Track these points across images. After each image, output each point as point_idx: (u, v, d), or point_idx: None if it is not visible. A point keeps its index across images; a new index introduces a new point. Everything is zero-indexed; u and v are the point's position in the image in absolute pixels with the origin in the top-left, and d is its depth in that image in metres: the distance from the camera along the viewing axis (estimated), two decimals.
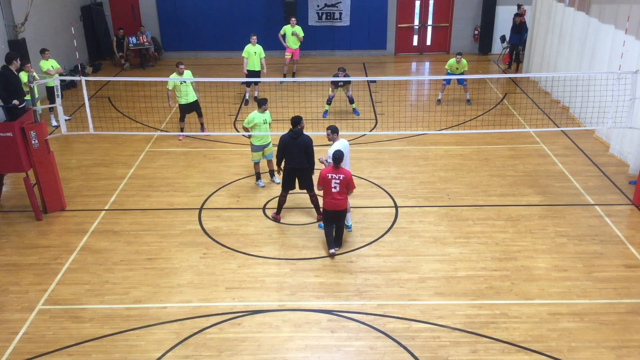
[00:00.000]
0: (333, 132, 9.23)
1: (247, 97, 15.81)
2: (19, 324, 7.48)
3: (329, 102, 14.59)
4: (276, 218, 9.88)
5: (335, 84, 14.34)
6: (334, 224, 8.91)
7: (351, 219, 9.74)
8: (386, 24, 20.72)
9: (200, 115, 13.35)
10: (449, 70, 15.40)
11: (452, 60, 15.22)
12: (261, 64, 15.52)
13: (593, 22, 13.49)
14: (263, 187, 11.01)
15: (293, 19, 17.25)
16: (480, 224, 9.69)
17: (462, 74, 15.25)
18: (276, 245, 9.18)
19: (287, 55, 17.46)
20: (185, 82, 12.72)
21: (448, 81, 15.49)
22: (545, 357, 6.83)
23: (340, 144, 9.13)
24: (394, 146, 12.89)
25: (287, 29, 17.16)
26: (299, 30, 17.17)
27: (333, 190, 8.65)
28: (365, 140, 13.12)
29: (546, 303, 7.77)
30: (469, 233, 9.43)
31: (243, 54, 15.41)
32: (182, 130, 13.27)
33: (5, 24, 14.79)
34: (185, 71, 12.73)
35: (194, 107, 13.17)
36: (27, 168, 9.72)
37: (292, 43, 17.24)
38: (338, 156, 8.56)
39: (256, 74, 15.35)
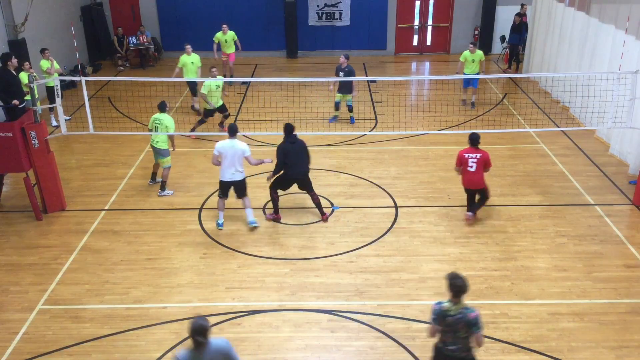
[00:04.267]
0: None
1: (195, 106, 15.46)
2: (19, 324, 7.48)
3: (336, 106, 14.22)
4: (277, 218, 9.86)
5: (337, 74, 13.68)
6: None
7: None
8: (386, 24, 20.73)
9: (227, 116, 13.59)
10: (464, 63, 14.87)
11: (466, 52, 14.79)
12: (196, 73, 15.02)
13: (593, 22, 13.49)
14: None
15: (224, 25, 16.73)
16: (480, 224, 9.69)
17: (477, 72, 14.81)
18: (276, 245, 9.19)
19: (224, 57, 17.11)
20: (219, 87, 12.94)
21: (467, 82, 14.94)
22: (545, 357, 6.83)
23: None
24: (394, 146, 12.89)
25: (219, 36, 16.81)
26: (231, 35, 16.81)
27: (469, 169, 9.21)
28: (365, 140, 13.12)
29: (546, 303, 7.77)
30: (469, 233, 9.43)
31: (179, 65, 14.77)
32: (194, 130, 13.34)
33: (5, 24, 14.80)
34: (218, 76, 13.04)
35: (220, 109, 13.41)
36: (27, 168, 9.72)
37: (227, 48, 16.90)
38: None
39: (193, 84, 14.99)
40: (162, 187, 10.76)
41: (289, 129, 9.40)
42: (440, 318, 5.46)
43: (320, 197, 9.99)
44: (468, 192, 9.63)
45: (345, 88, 13.70)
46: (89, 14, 19.52)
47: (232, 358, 4.98)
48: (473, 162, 9.24)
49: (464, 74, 14.82)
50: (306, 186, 9.70)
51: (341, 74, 13.34)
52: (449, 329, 5.45)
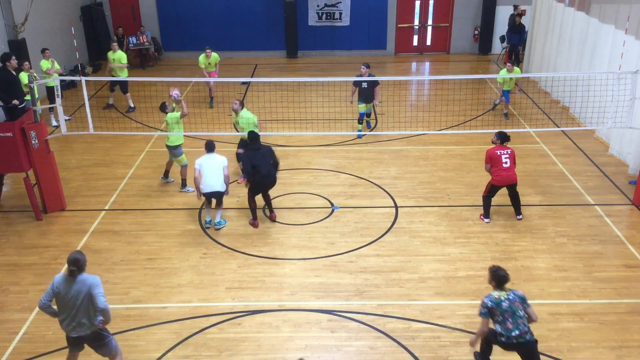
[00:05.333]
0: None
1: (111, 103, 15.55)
2: (19, 324, 7.48)
3: (360, 120, 13.30)
4: (254, 224, 9.71)
5: (358, 85, 12.97)
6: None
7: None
8: (386, 24, 20.74)
9: None
10: (502, 83, 14.16)
11: (504, 71, 13.75)
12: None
13: (593, 22, 13.49)
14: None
15: (208, 49, 15.30)
16: (480, 224, 9.69)
17: (512, 87, 14.08)
18: (276, 245, 9.19)
19: (206, 74, 15.84)
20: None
21: (506, 96, 14.21)
22: (545, 357, 6.82)
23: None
24: (394, 146, 12.89)
25: (202, 60, 15.42)
26: (214, 59, 15.45)
27: (504, 165, 9.29)
28: (366, 140, 13.12)
29: (546, 303, 7.77)
30: (469, 233, 9.43)
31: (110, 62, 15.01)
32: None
33: (5, 24, 14.80)
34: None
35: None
36: (27, 168, 9.72)
37: (210, 69, 15.67)
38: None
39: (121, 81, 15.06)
40: (183, 185, 10.93)
41: (251, 137, 9.43)
42: (496, 307, 5.85)
43: (320, 197, 9.98)
44: (496, 190, 9.55)
45: (369, 97, 12.96)
46: (89, 14, 19.53)
47: (95, 291, 5.77)
48: (506, 158, 9.33)
49: (503, 90, 14.23)
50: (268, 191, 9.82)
51: (364, 84, 12.72)
52: (508, 314, 5.84)
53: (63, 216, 10.12)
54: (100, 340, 6.13)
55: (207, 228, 9.67)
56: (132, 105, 15.27)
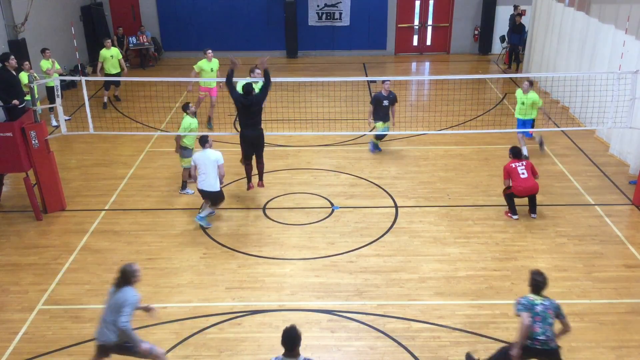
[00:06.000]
0: (203, 142, 9.45)
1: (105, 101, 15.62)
2: (19, 324, 7.48)
3: (378, 136, 12.28)
4: (248, 187, 10.31)
5: (378, 103, 11.88)
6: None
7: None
8: (386, 24, 20.74)
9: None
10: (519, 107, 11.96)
11: (519, 92, 11.89)
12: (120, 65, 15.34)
13: (593, 22, 13.49)
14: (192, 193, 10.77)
15: (209, 51, 13.52)
16: (480, 224, 9.69)
17: (533, 117, 11.86)
18: (276, 245, 9.18)
19: (202, 93, 13.85)
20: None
21: (527, 132, 12.21)
22: None
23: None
24: (394, 146, 12.89)
25: (203, 65, 13.47)
26: (216, 64, 13.67)
27: (522, 176, 9.47)
28: (365, 140, 13.11)
29: None
30: (469, 233, 9.43)
31: (99, 59, 15.06)
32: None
33: (5, 24, 14.80)
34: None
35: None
36: (27, 168, 9.72)
37: (203, 83, 13.65)
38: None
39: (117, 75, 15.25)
40: (183, 186, 10.93)
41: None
42: (529, 308, 5.85)
43: (320, 197, 9.96)
44: (517, 198, 9.75)
45: (388, 115, 12.09)
46: (89, 14, 19.51)
47: (122, 308, 5.84)
48: (522, 169, 9.52)
49: (518, 120, 12.05)
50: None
51: (385, 102, 11.86)
52: (539, 317, 5.85)
53: (63, 216, 10.12)
54: (124, 351, 6.10)
55: (207, 228, 9.67)
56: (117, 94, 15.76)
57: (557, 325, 5.96)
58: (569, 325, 5.99)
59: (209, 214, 9.71)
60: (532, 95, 11.63)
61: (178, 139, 10.55)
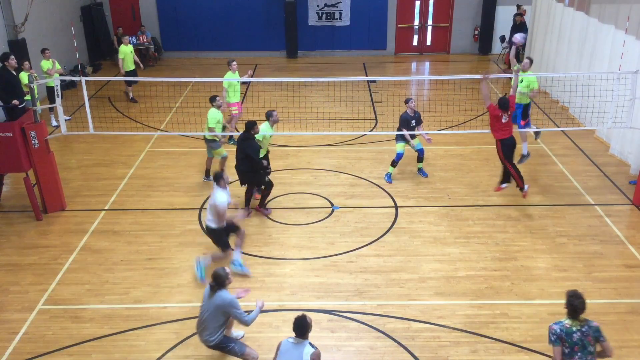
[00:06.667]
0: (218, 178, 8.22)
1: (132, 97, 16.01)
2: (19, 324, 7.48)
3: (396, 161, 11.20)
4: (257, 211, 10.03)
5: (406, 124, 10.94)
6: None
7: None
8: (386, 24, 20.74)
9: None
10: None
11: (517, 68, 10.94)
12: (135, 62, 15.75)
13: (593, 22, 13.49)
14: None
15: (234, 62, 12.60)
16: (480, 224, 9.70)
17: (528, 102, 11.08)
18: (276, 245, 9.18)
19: (234, 110, 12.88)
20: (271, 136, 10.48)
21: (517, 118, 10.98)
22: (545, 357, 6.83)
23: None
24: (394, 146, 12.84)
25: (230, 77, 12.62)
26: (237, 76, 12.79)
27: (503, 120, 9.53)
28: (366, 140, 13.12)
29: (546, 303, 7.78)
30: (469, 233, 9.43)
31: (119, 55, 15.50)
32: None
33: (5, 24, 14.80)
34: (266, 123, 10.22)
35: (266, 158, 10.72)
36: (27, 168, 9.72)
37: (235, 95, 12.67)
38: None
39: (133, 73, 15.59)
40: (206, 174, 11.18)
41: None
42: (565, 336, 5.31)
43: (320, 197, 9.95)
44: (508, 147, 9.72)
45: (412, 135, 11.22)
46: (89, 14, 19.52)
47: (230, 311, 6.28)
48: (505, 117, 9.49)
49: (518, 108, 10.89)
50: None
51: (413, 122, 11.02)
52: (577, 347, 5.30)
53: (63, 216, 10.12)
54: (221, 349, 6.56)
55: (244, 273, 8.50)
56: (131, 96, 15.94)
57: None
58: (610, 349, 5.37)
59: (206, 263, 8.32)
60: (531, 76, 10.93)
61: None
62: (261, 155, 9.88)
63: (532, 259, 8.73)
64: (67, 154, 12.62)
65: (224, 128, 10.94)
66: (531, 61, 11.21)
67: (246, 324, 6.35)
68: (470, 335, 7.21)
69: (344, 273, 8.47)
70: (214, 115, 10.52)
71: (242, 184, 9.95)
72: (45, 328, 7.42)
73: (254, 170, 9.62)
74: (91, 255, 8.99)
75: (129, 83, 15.76)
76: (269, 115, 9.88)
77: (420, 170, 11.51)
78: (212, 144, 10.77)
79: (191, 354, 6.97)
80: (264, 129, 9.84)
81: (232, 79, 12.43)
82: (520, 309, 7.67)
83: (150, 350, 7.03)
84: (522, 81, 10.93)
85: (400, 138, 11.11)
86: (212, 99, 10.66)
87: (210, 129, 10.58)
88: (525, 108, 11.20)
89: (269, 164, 10.13)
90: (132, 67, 15.68)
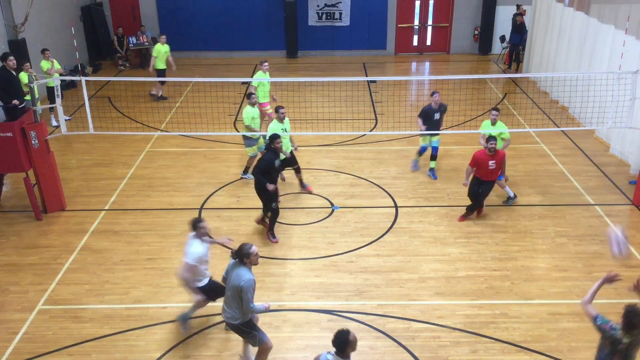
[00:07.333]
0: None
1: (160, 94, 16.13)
2: (19, 324, 7.48)
3: (421, 152, 11.44)
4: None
5: (428, 117, 10.90)
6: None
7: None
8: (386, 24, 20.74)
9: (298, 170, 10.78)
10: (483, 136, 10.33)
11: (486, 123, 10.43)
12: (168, 62, 15.82)
13: (592, 22, 13.49)
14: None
15: (266, 63, 12.71)
16: (480, 224, 9.69)
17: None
18: (276, 245, 9.18)
19: (267, 108, 12.81)
20: (286, 131, 10.33)
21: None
22: (545, 357, 6.83)
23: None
24: (394, 146, 12.89)
25: (261, 76, 12.61)
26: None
27: (490, 168, 9.38)
28: (365, 140, 13.12)
29: (546, 303, 7.77)
30: (469, 233, 9.43)
31: (153, 53, 15.73)
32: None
33: (5, 24, 14.80)
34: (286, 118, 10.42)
35: (292, 160, 10.62)
36: (27, 168, 9.72)
37: (263, 97, 12.67)
38: None
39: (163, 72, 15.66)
40: (245, 171, 11.26)
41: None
42: (612, 343, 5.37)
43: (320, 197, 9.95)
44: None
45: (437, 127, 11.13)
46: (89, 14, 19.52)
47: (241, 292, 5.95)
48: (492, 163, 9.33)
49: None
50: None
51: (437, 115, 10.91)
52: (618, 355, 5.39)
53: (63, 216, 10.12)
54: (242, 333, 6.37)
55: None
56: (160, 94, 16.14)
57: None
58: None
59: (185, 319, 7.26)
60: (501, 126, 10.22)
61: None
62: (281, 158, 9.60)
63: (532, 259, 8.73)
64: (67, 154, 12.62)
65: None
66: (498, 111, 10.30)
67: (247, 309, 6.00)
68: (470, 335, 7.21)
69: (344, 273, 8.47)
70: (248, 112, 10.60)
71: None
72: (45, 328, 7.42)
73: (259, 186, 8.96)
74: (91, 255, 8.99)
75: (162, 82, 15.83)
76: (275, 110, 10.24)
77: (431, 170, 11.28)
78: (247, 140, 10.89)
79: (191, 354, 6.97)
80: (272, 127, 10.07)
81: (262, 79, 12.46)
82: (520, 309, 7.67)
83: (150, 350, 7.03)
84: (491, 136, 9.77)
85: (430, 129, 11.01)
86: (248, 96, 10.82)
87: (247, 127, 10.69)
88: None
89: (277, 195, 9.14)
90: (163, 66, 15.67)
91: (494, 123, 10.23)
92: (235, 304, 6.08)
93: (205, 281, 6.99)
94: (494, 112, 10.22)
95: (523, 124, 13.98)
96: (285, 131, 10.27)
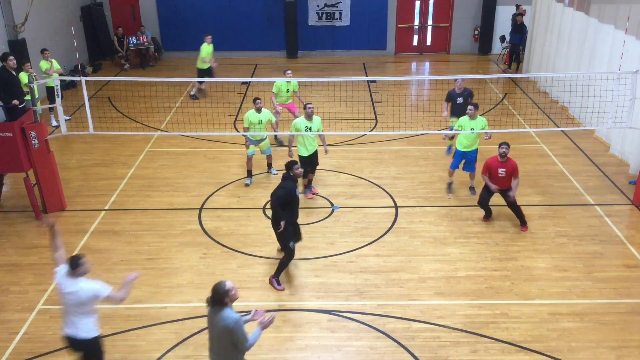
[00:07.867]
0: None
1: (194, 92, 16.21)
2: (19, 324, 7.48)
3: (451, 137, 11.84)
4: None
5: (452, 100, 11.53)
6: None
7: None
8: (386, 24, 20.73)
9: (312, 170, 10.69)
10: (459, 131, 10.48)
11: (464, 119, 10.33)
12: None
13: (592, 22, 13.49)
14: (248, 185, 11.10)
15: (289, 71, 12.71)
16: (480, 224, 9.69)
17: (475, 147, 10.40)
18: (276, 245, 9.16)
19: (279, 109, 12.92)
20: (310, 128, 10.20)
21: (458, 159, 10.50)
22: (545, 357, 6.83)
23: None
24: (394, 146, 12.89)
25: (281, 85, 12.68)
26: (294, 85, 12.90)
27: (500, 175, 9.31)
28: (365, 140, 13.12)
29: (546, 303, 7.78)
30: (469, 233, 9.43)
31: (202, 54, 15.66)
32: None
33: (5, 24, 14.80)
34: (314, 116, 10.25)
35: (313, 160, 10.52)
36: (27, 168, 9.72)
37: (287, 99, 13.00)
38: None
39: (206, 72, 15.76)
40: (249, 174, 11.28)
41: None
42: None
43: (320, 197, 9.96)
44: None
45: (462, 111, 10.84)
46: (89, 14, 19.52)
47: (231, 335, 5.16)
48: (502, 170, 9.27)
49: (457, 151, 10.48)
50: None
51: (460, 99, 11.38)
52: None
53: (63, 216, 10.11)
54: None
55: None
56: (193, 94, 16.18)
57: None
58: None
59: None
60: (482, 120, 10.25)
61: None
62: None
63: (532, 259, 8.73)
64: (67, 154, 12.62)
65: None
66: (476, 106, 10.21)
67: (245, 349, 5.29)
68: (470, 335, 7.21)
69: (344, 273, 8.47)
70: (248, 117, 10.73)
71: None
72: (45, 328, 7.42)
73: (275, 220, 7.97)
74: (91, 255, 8.97)
75: (201, 81, 15.88)
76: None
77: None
78: (247, 140, 11.05)
79: (191, 354, 6.97)
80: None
81: (280, 82, 12.58)
82: (520, 309, 7.67)
83: (150, 350, 7.03)
84: (472, 128, 10.17)
85: (455, 113, 11.54)
86: (254, 101, 10.79)
87: (245, 129, 10.87)
88: (477, 152, 10.51)
89: (298, 232, 8.38)
90: (206, 66, 15.69)
91: (473, 117, 10.19)
92: (227, 351, 5.33)
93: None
94: (470, 107, 10.18)
95: (523, 124, 13.99)
96: (310, 130, 10.07)
